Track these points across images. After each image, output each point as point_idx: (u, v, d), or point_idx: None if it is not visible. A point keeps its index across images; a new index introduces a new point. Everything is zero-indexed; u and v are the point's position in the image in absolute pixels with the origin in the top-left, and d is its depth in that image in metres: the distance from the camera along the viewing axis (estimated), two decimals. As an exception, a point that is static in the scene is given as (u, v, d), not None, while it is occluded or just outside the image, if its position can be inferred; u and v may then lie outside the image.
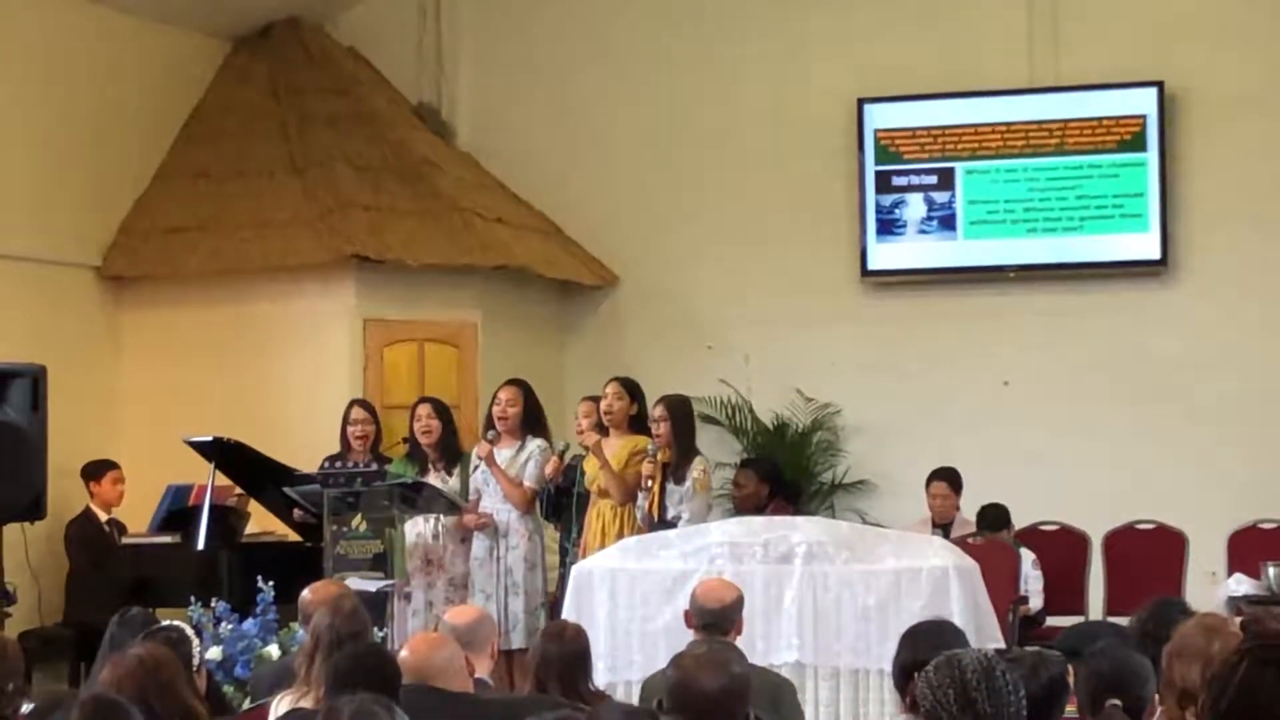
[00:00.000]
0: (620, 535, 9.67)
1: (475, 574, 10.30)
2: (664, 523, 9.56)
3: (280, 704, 5.98)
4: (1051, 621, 11.15)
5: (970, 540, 10.46)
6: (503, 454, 10.33)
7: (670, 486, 9.75)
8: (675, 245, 13.59)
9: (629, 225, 13.72)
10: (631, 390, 10.17)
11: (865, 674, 8.38)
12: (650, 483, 9.71)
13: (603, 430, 10.09)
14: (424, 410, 10.62)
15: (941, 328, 13.10)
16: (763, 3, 13.52)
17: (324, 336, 12.47)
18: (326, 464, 10.54)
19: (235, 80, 13.60)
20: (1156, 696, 4.97)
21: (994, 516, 11.26)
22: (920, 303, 13.22)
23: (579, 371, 13.21)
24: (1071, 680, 4.94)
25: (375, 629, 7.57)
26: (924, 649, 5.05)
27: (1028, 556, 11.26)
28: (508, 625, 9.99)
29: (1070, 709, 4.98)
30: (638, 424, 10.07)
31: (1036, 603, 11.17)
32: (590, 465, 10.07)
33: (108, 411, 12.53)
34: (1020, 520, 11.59)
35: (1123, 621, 7.00)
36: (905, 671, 5.10)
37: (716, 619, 6.77)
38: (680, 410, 9.98)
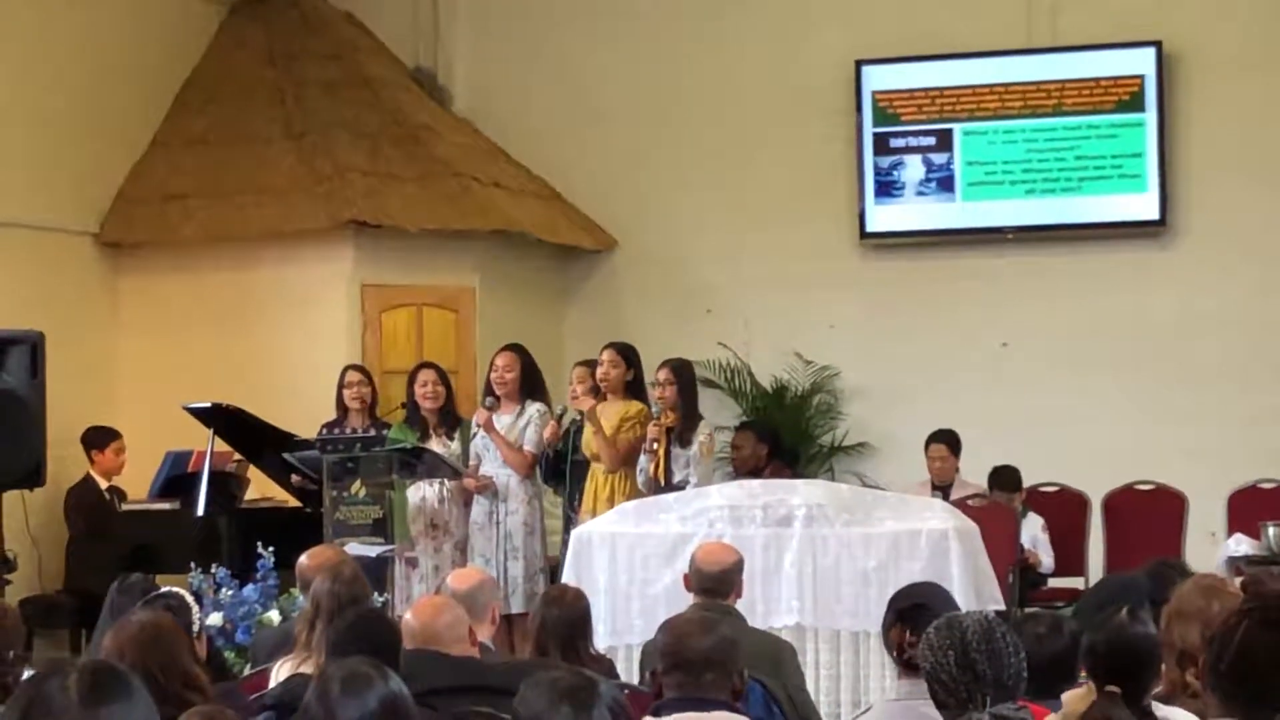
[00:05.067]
0: (611, 501, 9.66)
1: (474, 538, 10.28)
2: (671, 486, 9.54)
3: (281, 669, 6.00)
4: (1053, 583, 11.19)
5: (970, 502, 10.46)
6: (502, 419, 10.30)
7: (676, 450, 9.73)
8: (674, 209, 13.56)
9: (627, 189, 13.68)
10: (627, 356, 10.13)
11: (865, 636, 8.38)
12: (656, 445, 9.71)
13: (599, 396, 10.08)
14: (429, 376, 10.55)
15: (940, 289, 13.08)
16: (760, -35, 13.49)
17: (322, 302, 12.46)
18: (324, 430, 10.49)
19: (232, 46, 13.56)
20: (1164, 668, 4.89)
21: (1008, 477, 11.26)
22: (919, 264, 13.20)
23: (577, 336, 13.18)
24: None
25: (375, 594, 7.58)
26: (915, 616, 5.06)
27: (1036, 521, 11.26)
28: (507, 590, 9.96)
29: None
30: (634, 389, 10.06)
31: (1049, 562, 11.21)
32: (588, 431, 10.06)
33: (106, 378, 12.52)
34: (1019, 481, 11.60)
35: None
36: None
37: (716, 582, 6.77)
38: (685, 374, 9.97)
